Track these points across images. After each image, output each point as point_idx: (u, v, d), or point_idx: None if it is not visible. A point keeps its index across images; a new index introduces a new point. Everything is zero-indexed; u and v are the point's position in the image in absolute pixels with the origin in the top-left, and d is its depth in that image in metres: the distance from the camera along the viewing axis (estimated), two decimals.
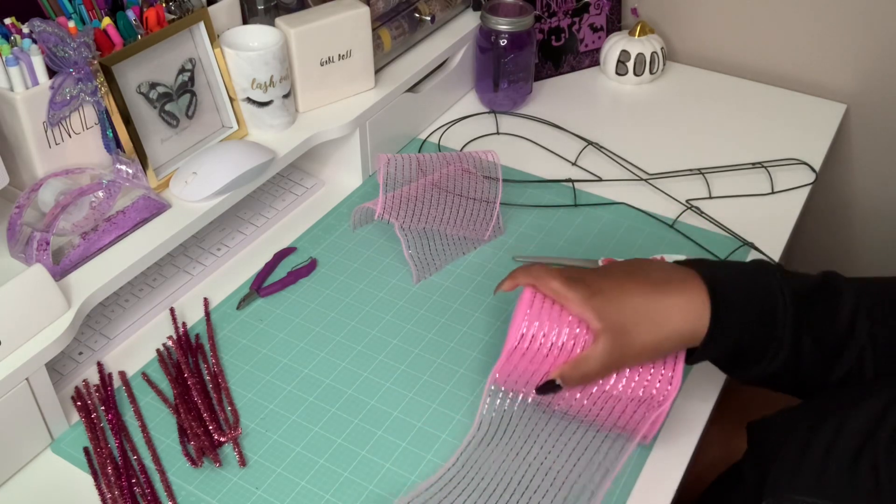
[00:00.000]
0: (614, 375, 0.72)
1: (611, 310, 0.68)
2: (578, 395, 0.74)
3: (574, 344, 0.73)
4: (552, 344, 0.74)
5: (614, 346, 0.69)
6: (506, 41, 1.18)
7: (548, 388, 0.73)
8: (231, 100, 0.98)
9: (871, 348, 0.68)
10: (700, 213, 1.05)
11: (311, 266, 0.98)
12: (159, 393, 0.84)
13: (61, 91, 0.83)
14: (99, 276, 0.83)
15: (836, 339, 0.69)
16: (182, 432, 0.80)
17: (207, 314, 0.93)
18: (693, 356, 0.71)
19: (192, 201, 0.91)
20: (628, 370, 0.72)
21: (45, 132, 0.85)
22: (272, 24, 1.00)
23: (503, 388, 0.81)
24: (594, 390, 0.74)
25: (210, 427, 0.80)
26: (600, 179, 1.11)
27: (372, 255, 1.00)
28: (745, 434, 0.88)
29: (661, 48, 1.29)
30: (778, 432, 0.73)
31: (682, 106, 1.26)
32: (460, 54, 1.23)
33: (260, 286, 0.96)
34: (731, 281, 0.69)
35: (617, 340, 0.68)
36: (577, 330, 0.72)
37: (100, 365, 0.86)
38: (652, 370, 0.72)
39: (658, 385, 0.72)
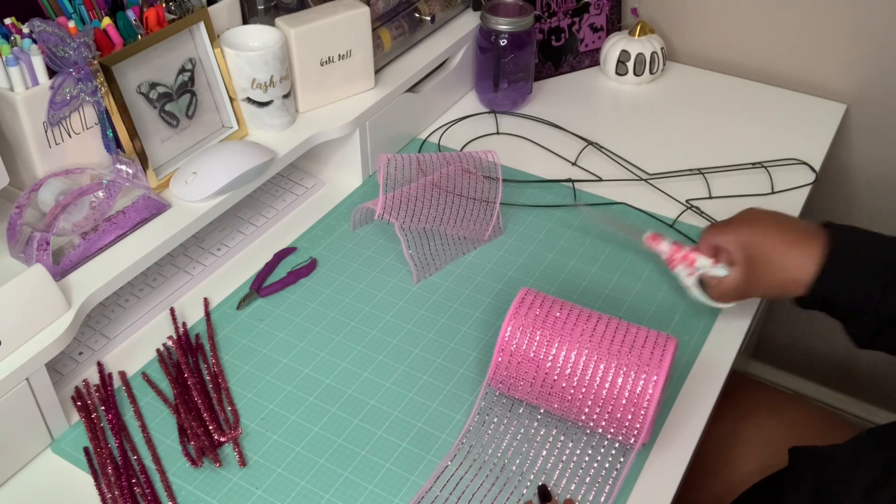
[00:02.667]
0: (599, 377, 0.74)
1: (752, 246, 0.82)
2: (570, 396, 0.75)
3: (559, 347, 0.74)
4: (536, 345, 0.75)
5: (745, 278, 0.83)
6: (506, 41, 1.18)
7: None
8: (231, 100, 0.98)
9: None
10: (700, 213, 1.05)
11: (311, 266, 0.98)
12: (159, 393, 0.84)
13: (61, 91, 0.83)
14: (99, 276, 0.83)
15: None
16: (182, 432, 0.80)
17: (207, 314, 0.93)
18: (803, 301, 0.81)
19: (192, 201, 0.91)
20: (612, 372, 0.73)
21: (45, 132, 0.85)
22: (272, 24, 1.00)
23: (497, 392, 0.81)
24: (582, 392, 0.74)
25: (210, 427, 0.80)
26: (600, 179, 1.11)
27: (372, 255, 1.00)
28: (746, 437, 0.89)
29: (661, 48, 1.29)
30: (839, 470, 0.77)
31: (682, 106, 1.26)
32: (460, 54, 1.23)
33: (260, 286, 0.96)
34: (852, 244, 0.78)
35: (748, 275, 0.83)
36: (565, 348, 0.74)
37: (100, 365, 0.86)
38: (634, 373, 0.72)
39: (640, 387, 0.72)
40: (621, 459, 0.77)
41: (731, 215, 0.87)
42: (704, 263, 0.87)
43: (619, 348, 0.74)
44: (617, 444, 0.78)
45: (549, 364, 0.75)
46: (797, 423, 0.97)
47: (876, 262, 0.77)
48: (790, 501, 0.83)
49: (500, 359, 0.77)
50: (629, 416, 0.73)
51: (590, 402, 0.74)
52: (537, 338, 0.76)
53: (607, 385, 0.73)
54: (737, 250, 0.83)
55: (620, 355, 0.74)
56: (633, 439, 0.74)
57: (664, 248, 0.89)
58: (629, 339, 0.75)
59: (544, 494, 0.73)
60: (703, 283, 0.89)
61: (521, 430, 0.79)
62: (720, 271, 0.85)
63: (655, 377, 0.72)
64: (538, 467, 0.76)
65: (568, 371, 0.74)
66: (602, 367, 0.73)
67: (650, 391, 0.72)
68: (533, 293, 0.79)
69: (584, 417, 0.76)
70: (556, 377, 0.75)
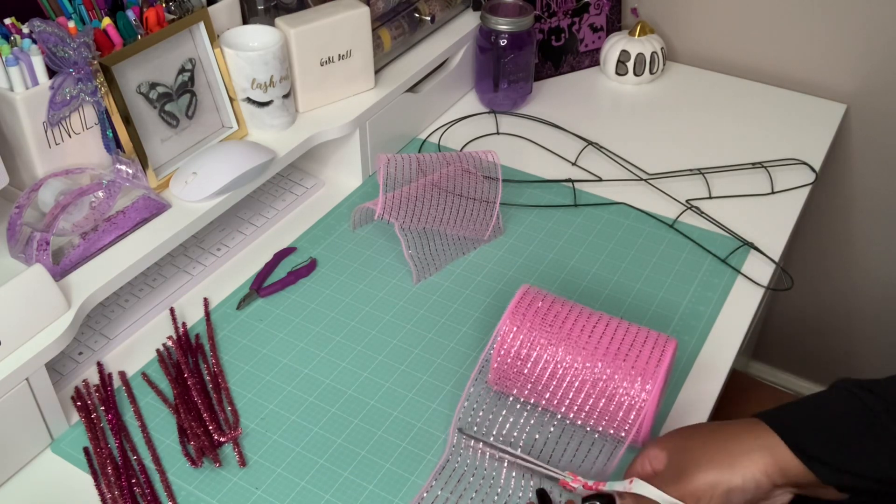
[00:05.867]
0: (598, 377, 0.73)
1: (674, 436, 0.68)
2: (570, 398, 0.75)
3: (558, 345, 0.74)
4: (535, 343, 0.75)
5: (676, 470, 0.66)
6: (506, 41, 1.18)
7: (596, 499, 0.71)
8: (231, 100, 0.98)
9: None
10: (700, 213, 1.05)
11: (311, 266, 0.98)
12: (159, 393, 0.84)
13: (61, 91, 0.83)
14: (99, 276, 0.83)
15: None
16: (182, 432, 0.80)
17: (207, 314, 0.93)
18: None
19: (192, 201, 0.91)
20: (611, 371, 0.73)
21: (45, 132, 0.84)
22: (272, 24, 1.00)
23: (495, 389, 0.81)
24: (581, 392, 0.74)
25: (210, 427, 0.80)
26: (600, 179, 1.11)
27: (372, 255, 1.00)
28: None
29: (661, 48, 1.29)
30: None
31: (682, 106, 1.26)
32: (460, 54, 1.23)
33: (260, 286, 0.95)
34: (798, 414, 0.66)
35: (679, 464, 0.66)
36: (563, 347, 0.74)
37: (100, 365, 0.86)
38: (633, 373, 0.72)
39: (638, 387, 0.72)
40: (621, 458, 0.77)
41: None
42: (617, 487, 0.70)
43: (617, 347, 0.74)
44: (616, 444, 0.78)
45: (549, 362, 0.75)
46: None
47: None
48: None
49: (498, 356, 0.77)
50: (631, 417, 0.73)
51: (591, 402, 0.74)
52: (536, 335, 0.76)
53: (606, 384, 0.73)
54: (659, 446, 0.69)
55: (619, 354, 0.74)
56: (624, 435, 0.74)
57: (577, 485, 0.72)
58: (629, 339, 0.75)
59: (543, 499, 0.73)
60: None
61: (517, 431, 0.79)
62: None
63: (653, 377, 0.72)
64: (536, 468, 0.76)
65: (567, 370, 0.74)
66: (601, 366, 0.74)
67: (648, 391, 0.72)
68: (534, 290, 0.79)
69: (583, 416, 0.76)
70: (554, 376, 0.75)
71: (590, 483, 0.71)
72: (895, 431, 0.63)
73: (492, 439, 0.77)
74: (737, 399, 0.99)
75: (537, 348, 0.76)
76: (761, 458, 0.64)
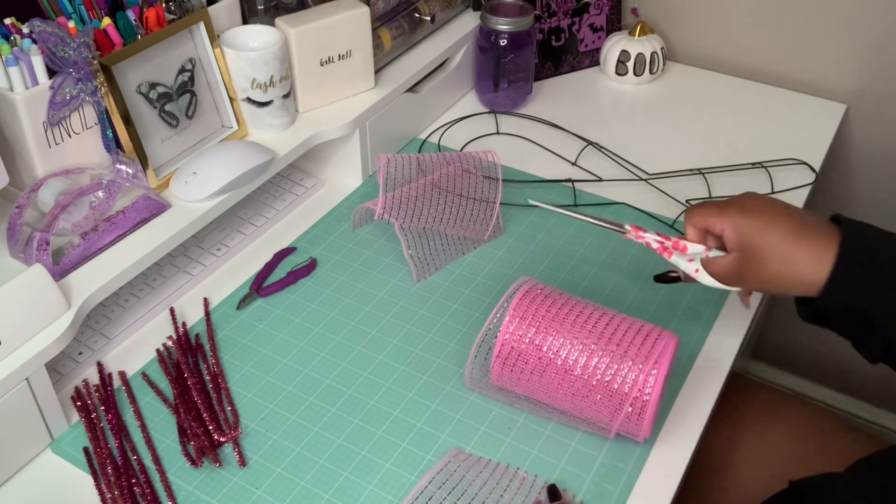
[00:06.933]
0: (602, 369, 0.73)
1: (751, 235, 0.72)
2: (571, 388, 0.75)
3: (560, 338, 0.74)
4: (538, 343, 0.75)
5: (740, 266, 0.74)
6: (506, 41, 1.18)
7: (668, 277, 0.82)
8: (231, 100, 0.98)
9: None
10: None
11: (311, 266, 0.98)
12: (159, 393, 0.84)
13: (61, 91, 0.83)
14: (99, 276, 0.83)
15: None
16: (182, 432, 0.80)
17: (207, 314, 0.93)
18: (810, 309, 0.73)
19: (192, 201, 0.91)
20: (606, 362, 0.73)
21: (45, 132, 0.85)
22: (272, 24, 1.00)
23: (498, 386, 0.81)
24: (574, 382, 0.74)
25: (210, 427, 0.80)
26: (600, 179, 1.11)
27: (372, 255, 1.00)
28: (784, 451, 0.87)
29: (661, 48, 1.29)
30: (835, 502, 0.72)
31: (682, 106, 1.26)
32: (460, 54, 1.23)
33: (260, 286, 0.96)
34: (870, 242, 0.70)
35: (744, 263, 0.74)
36: (562, 339, 0.74)
37: (100, 365, 0.86)
38: (631, 363, 0.73)
39: (640, 380, 0.72)
40: (623, 453, 0.77)
41: (724, 198, 0.79)
42: (696, 250, 0.78)
43: (620, 339, 0.74)
44: (618, 439, 0.78)
45: (551, 355, 0.75)
46: (797, 425, 0.97)
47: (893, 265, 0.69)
48: None
49: (499, 350, 0.77)
50: (630, 409, 0.73)
51: (598, 396, 0.74)
52: (537, 328, 0.76)
53: (609, 377, 0.73)
54: (732, 238, 0.74)
55: (621, 346, 0.74)
56: (621, 427, 0.74)
57: (650, 238, 0.80)
58: (632, 332, 0.75)
59: (553, 494, 0.72)
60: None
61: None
62: (715, 254, 0.77)
63: (657, 369, 0.72)
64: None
65: (570, 362, 0.74)
66: (606, 359, 0.73)
67: (652, 383, 0.72)
68: (532, 282, 0.79)
69: (587, 409, 0.75)
70: (557, 368, 0.75)
71: (669, 239, 0.79)
72: None
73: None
74: (737, 400, 0.99)
75: (546, 336, 0.75)
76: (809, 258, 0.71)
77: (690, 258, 0.79)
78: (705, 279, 0.78)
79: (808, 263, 0.70)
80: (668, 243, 0.79)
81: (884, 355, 0.72)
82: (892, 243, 0.70)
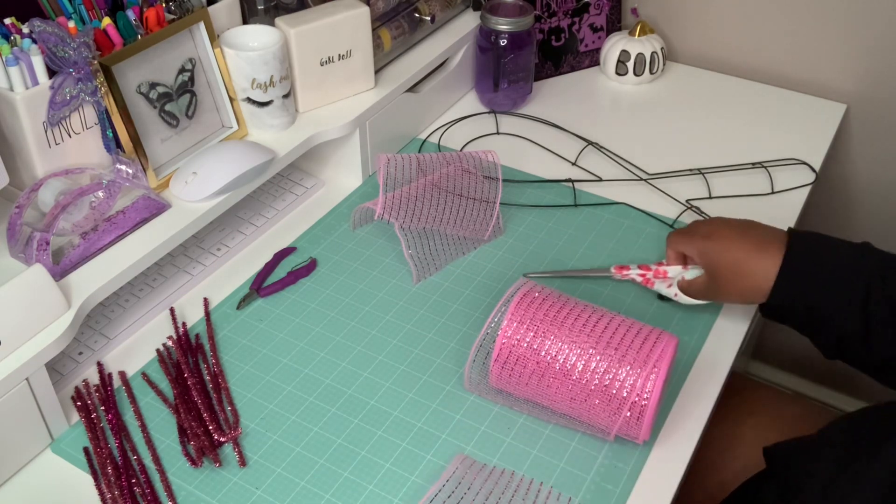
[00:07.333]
0: (601, 371, 0.73)
1: (711, 255, 0.83)
2: (570, 391, 0.75)
3: (559, 341, 0.74)
4: (536, 347, 0.75)
5: (709, 284, 0.85)
6: (506, 41, 1.18)
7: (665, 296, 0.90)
8: (231, 100, 0.98)
9: None
10: (700, 213, 1.05)
11: (311, 266, 0.98)
12: (159, 393, 0.84)
13: (61, 91, 0.83)
14: (99, 276, 0.83)
15: None
16: (182, 432, 0.80)
17: (207, 314, 0.93)
18: (766, 309, 0.82)
19: (192, 201, 0.91)
20: (604, 367, 0.73)
21: (45, 132, 0.85)
22: (272, 24, 1.00)
23: (497, 389, 0.81)
24: (572, 386, 0.74)
25: (210, 427, 0.80)
26: (600, 179, 1.11)
27: (372, 255, 1.00)
28: (748, 436, 0.89)
29: (661, 48, 1.29)
30: (803, 460, 0.76)
31: (682, 106, 1.26)
32: (460, 54, 1.23)
33: (260, 286, 0.96)
34: (814, 247, 0.79)
35: (712, 281, 0.84)
36: (560, 343, 0.75)
37: (100, 365, 0.86)
38: (629, 368, 0.72)
39: (639, 385, 0.72)
40: (623, 454, 0.77)
41: (691, 222, 0.89)
42: (676, 272, 0.89)
43: (618, 343, 0.74)
44: (618, 440, 0.78)
45: (549, 359, 0.75)
46: (797, 424, 0.97)
47: (839, 269, 0.77)
48: (763, 498, 0.83)
49: (497, 354, 0.77)
50: (628, 414, 0.73)
51: (597, 401, 0.74)
52: (535, 332, 0.76)
53: (608, 381, 0.73)
54: (699, 260, 0.85)
55: (619, 350, 0.74)
56: (620, 430, 0.74)
57: (633, 273, 0.92)
58: (630, 335, 0.75)
59: None
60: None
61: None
62: (692, 273, 0.88)
63: (655, 374, 0.72)
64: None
65: (567, 367, 0.74)
66: (604, 363, 0.73)
67: (650, 387, 0.72)
68: (530, 284, 0.79)
69: (585, 413, 0.75)
70: (555, 372, 0.75)
71: (650, 269, 0.91)
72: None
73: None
74: (737, 399, 0.99)
75: (545, 339, 0.75)
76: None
77: (669, 284, 0.90)
78: (684, 300, 0.89)
79: (760, 273, 0.79)
80: (650, 273, 0.91)
81: (838, 350, 0.79)
82: (834, 247, 0.79)
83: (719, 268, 0.82)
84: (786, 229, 0.82)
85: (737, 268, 0.81)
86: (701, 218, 1.04)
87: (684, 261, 0.89)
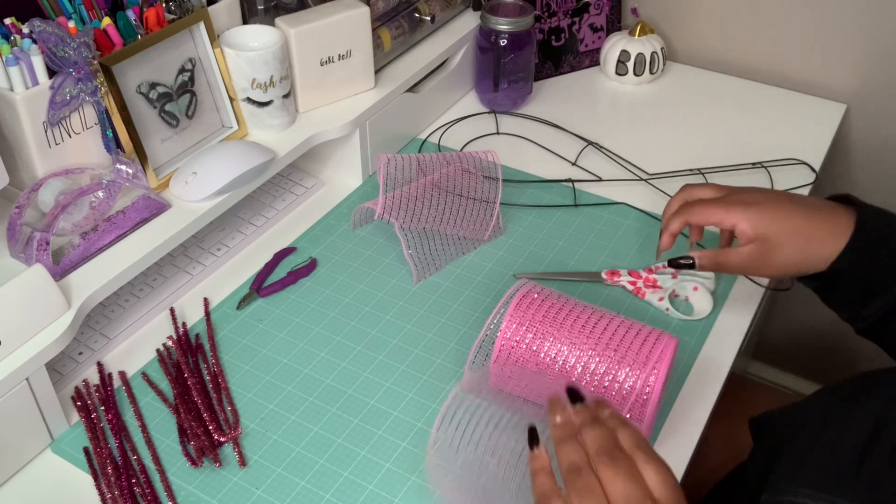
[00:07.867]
0: (601, 372, 0.73)
1: (768, 223, 0.77)
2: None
3: (559, 342, 0.74)
4: (535, 348, 0.75)
5: (759, 255, 0.78)
6: (506, 41, 1.18)
7: (681, 263, 0.82)
8: (231, 100, 0.98)
9: None
10: None
11: (311, 266, 0.98)
12: (159, 393, 0.84)
13: (61, 91, 0.83)
14: (99, 276, 0.83)
15: None
16: (182, 432, 0.80)
17: (207, 314, 0.93)
18: (824, 277, 0.78)
19: (192, 201, 0.91)
20: (604, 368, 0.73)
21: (45, 132, 0.85)
22: (272, 24, 1.00)
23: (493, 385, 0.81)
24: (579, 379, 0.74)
25: (210, 427, 0.80)
26: (600, 179, 1.11)
27: (372, 255, 1.00)
28: (749, 435, 0.89)
29: (661, 48, 1.29)
30: (785, 428, 0.74)
31: (682, 106, 1.26)
32: (460, 54, 1.23)
33: (260, 286, 0.96)
34: (881, 213, 0.77)
35: (764, 251, 0.77)
36: (559, 345, 0.74)
37: (100, 365, 0.86)
38: (630, 368, 0.72)
39: (638, 386, 0.72)
40: None
41: (719, 195, 0.82)
42: (669, 284, 0.90)
43: (618, 344, 0.74)
44: None
45: (549, 361, 0.75)
46: None
47: None
48: (749, 469, 0.82)
49: (497, 356, 0.77)
50: (628, 415, 0.73)
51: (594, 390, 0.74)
52: (535, 333, 0.76)
53: (607, 382, 0.73)
54: (748, 230, 0.78)
55: (619, 351, 0.74)
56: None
57: (624, 281, 0.92)
58: (630, 336, 0.75)
59: (532, 436, 0.71)
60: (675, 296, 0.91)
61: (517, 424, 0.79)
62: (702, 278, 0.88)
63: (655, 375, 0.72)
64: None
65: (567, 368, 0.74)
66: (604, 365, 0.73)
67: (649, 390, 0.72)
68: (530, 285, 0.79)
69: None
70: (555, 374, 0.75)
71: (640, 277, 0.90)
72: None
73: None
74: (737, 399, 0.99)
75: (544, 340, 0.75)
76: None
77: (661, 297, 0.89)
78: (675, 315, 0.89)
79: (824, 240, 0.76)
80: (640, 282, 0.90)
81: (874, 325, 0.78)
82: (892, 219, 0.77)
83: (776, 235, 0.77)
84: (831, 196, 0.80)
85: (804, 233, 0.76)
86: None
87: (700, 235, 0.86)
